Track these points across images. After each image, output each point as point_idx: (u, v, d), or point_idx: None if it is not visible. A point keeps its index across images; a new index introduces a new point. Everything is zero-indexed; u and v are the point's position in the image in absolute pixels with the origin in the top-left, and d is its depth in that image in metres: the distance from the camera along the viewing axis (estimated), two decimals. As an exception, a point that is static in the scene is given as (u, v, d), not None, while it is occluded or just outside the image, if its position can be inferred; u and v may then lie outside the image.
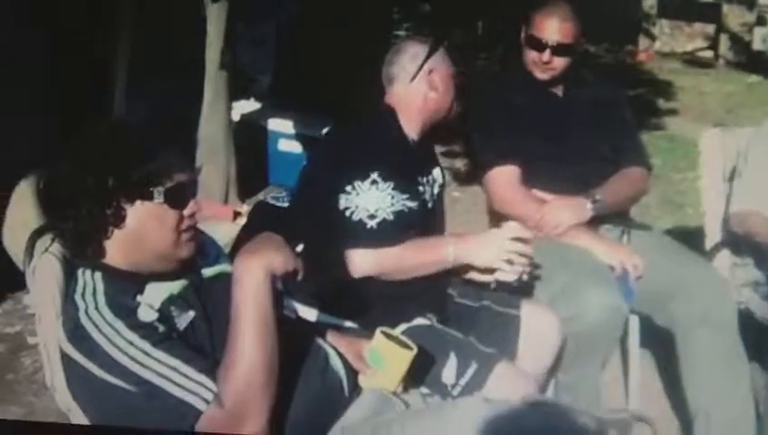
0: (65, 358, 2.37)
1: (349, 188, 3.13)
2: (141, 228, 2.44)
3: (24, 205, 2.61)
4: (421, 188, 3.31)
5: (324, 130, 7.48)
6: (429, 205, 3.36)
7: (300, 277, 2.41)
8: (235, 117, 7.65)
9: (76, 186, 2.40)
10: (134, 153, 2.42)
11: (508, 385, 2.91)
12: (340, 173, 3.18)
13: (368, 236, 3.13)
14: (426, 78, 3.36)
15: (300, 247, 2.45)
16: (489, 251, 3.22)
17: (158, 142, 2.49)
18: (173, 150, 2.49)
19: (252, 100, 8.13)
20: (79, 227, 2.43)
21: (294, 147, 7.67)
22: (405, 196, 3.17)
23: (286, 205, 3.55)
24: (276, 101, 8.28)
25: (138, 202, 2.42)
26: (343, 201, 3.14)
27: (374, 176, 3.13)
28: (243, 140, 7.47)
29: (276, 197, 3.62)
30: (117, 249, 2.46)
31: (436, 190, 3.44)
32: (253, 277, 2.32)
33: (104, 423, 2.39)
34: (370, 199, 3.13)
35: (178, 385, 2.27)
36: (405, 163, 3.27)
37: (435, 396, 2.91)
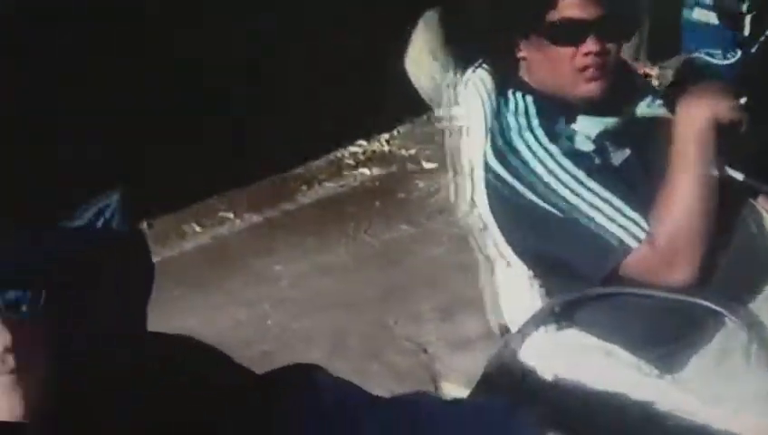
0: (490, 174, 2.39)
1: None
2: (535, 61, 2.41)
3: (430, 35, 2.58)
4: None
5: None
6: None
7: (743, 129, 2.32)
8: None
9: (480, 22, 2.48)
10: None
11: None
12: None
13: None
14: None
15: (743, 99, 2.33)
16: None
17: None
18: None
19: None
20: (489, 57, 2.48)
21: (710, 17, 7.42)
22: None
23: (723, 62, 3.39)
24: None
25: (531, 36, 2.39)
26: None
27: None
28: (658, 5, 7.33)
29: (711, 53, 3.47)
30: (531, 76, 2.45)
31: None
32: (697, 121, 2.27)
33: (520, 245, 2.40)
34: None
35: (609, 218, 2.24)
36: None
37: None
